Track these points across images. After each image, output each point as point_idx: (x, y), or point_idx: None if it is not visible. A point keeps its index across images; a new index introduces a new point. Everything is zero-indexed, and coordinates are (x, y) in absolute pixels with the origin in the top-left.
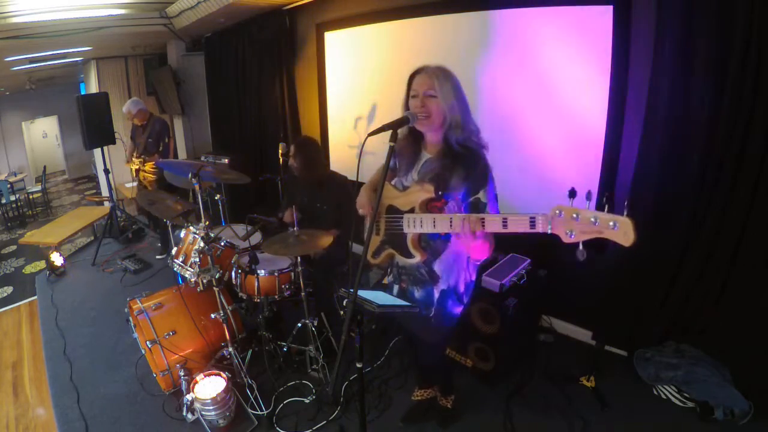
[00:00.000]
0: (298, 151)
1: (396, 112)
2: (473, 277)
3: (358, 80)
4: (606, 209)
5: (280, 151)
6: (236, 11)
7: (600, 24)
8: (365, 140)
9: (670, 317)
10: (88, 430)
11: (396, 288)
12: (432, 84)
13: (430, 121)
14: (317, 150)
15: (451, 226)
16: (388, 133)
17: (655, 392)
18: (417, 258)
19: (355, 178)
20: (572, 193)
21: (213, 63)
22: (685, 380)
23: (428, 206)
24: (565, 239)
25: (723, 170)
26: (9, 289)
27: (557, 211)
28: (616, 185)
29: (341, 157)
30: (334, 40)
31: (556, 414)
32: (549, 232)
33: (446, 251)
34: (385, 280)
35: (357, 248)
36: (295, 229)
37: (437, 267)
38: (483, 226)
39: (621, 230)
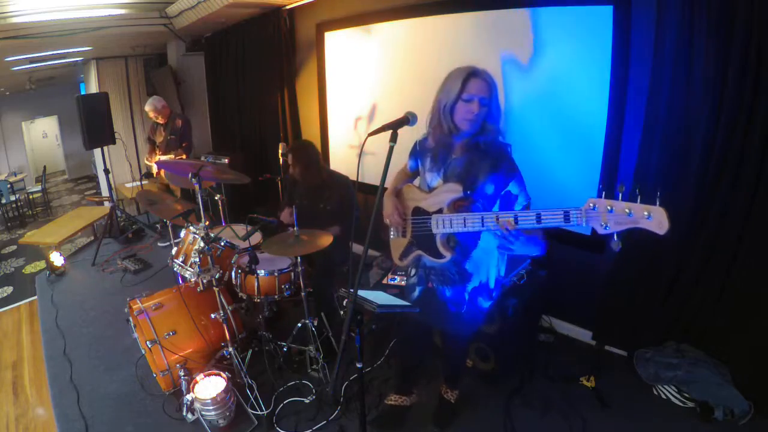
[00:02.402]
0: (295, 157)
1: (396, 112)
2: (503, 273)
3: (358, 80)
4: (639, 200)
5: (280, 151)
6: (236, 11)
7: (600, 24)
8: (365, 140)
9: (670, 317)
10: (88, 430)
11: (419, 289)
12: (488, 91)
13: (472, 125)
14: (315, 152)
15: (483, 224)
16: (389, 133)
17: (655, 392)
18: (447, 257)
19: (355, 178)
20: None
21: (213, 63)
22: (685, 380)
23: (455, 205)
24: (600, 231)
25: (723, 170)
26: (9, 289)
27: (591, 205)
28: (617, 184)
29: (341, 157)
30: (334, 40)
31: (556, 414)
32: (584, 224)
33: (476, 249)
34: (386, 278)
35: (357, 248)
36: (295, 228)
37: (468, 266)
38: (516, 222)
39: (655, 220)
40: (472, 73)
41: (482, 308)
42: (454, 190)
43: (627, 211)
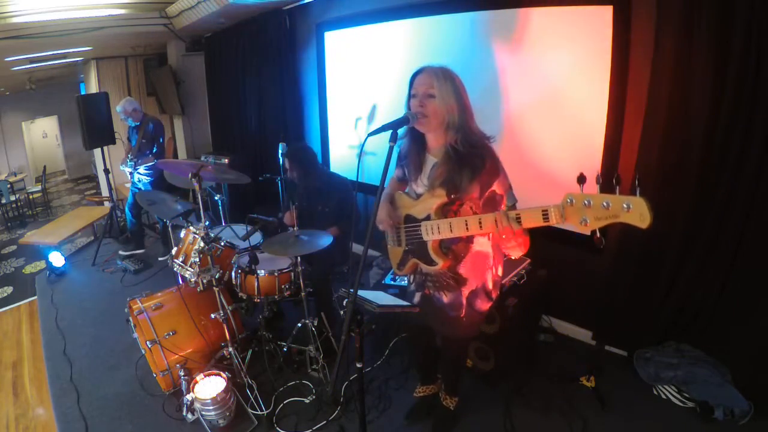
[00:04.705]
0: (292, 162)
1: (396, 112)
2: (500, 273)
3: (358, 80)
4: (617, 191)
5: (280, 151)
6: (236, 11)
7: (600, 24)
8: (365, 140)
9: (670, 317)
10: (88, 430)
11: (419, 295)
12: (431, 83)
13: (428, 122)
14: (311, 155)
15: (467, 228)
16: (389, 133)
17: (655, 392)
18: (439, 264)
19: (355, 178)
20: (581, 179)
21: (213, 63)
22: (685, 380)
23: (443, 210)
24: (580, 228)
25: (722, 171)
26: (9, 289)
27: (568, 200)
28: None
29: (341, 157)
30: (334, 40)
31: (556, 414)
32: (563, 223)
33: (468, 253)
34: (377, 282)
35: (357, 248)
36: (295, 229)
37: (462, 270)
38: (496, 225)
39: (636, 211)
40: (419, 70)
41: (481, 311)
42: (438, 196)
43: (605, 203)
